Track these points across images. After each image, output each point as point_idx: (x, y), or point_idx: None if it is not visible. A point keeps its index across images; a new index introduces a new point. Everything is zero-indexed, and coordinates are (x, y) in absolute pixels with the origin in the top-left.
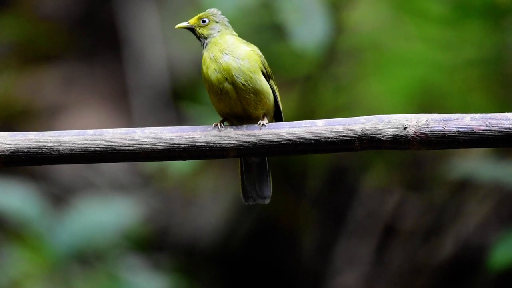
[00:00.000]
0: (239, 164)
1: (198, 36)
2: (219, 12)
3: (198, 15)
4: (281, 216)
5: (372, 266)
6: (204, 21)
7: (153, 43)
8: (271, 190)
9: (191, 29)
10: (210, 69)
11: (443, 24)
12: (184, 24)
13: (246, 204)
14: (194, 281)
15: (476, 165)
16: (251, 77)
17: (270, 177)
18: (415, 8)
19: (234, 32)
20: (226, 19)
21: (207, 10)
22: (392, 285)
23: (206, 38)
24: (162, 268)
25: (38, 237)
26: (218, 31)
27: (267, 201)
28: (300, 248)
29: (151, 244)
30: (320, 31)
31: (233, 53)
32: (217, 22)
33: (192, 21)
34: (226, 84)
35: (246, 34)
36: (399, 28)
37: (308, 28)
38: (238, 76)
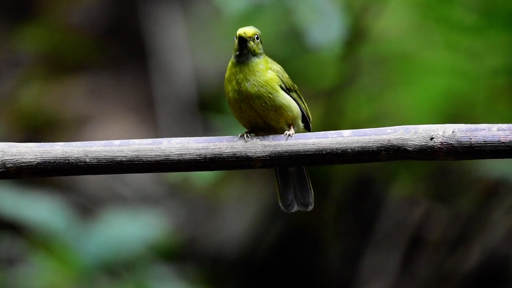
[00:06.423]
0: (275, 173)
1: (246, 50)
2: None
3: (253, 30)
4: (307, 225)
5: (399, 276)
6: (257, 38)
7: (179, 53)
8: (313, 197)
9: (242, 40)
10: (231, 85)
11: (469, 32)
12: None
13: (287, 211)
14: None
15: (508, 167)
16: (270, 97)
17: (310, 184)
18: (441, 16)
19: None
20: None
21: (251, 27)
22: None
23: (254, 55)
24: (188, 278)
25: (65, 248)
26: (262, 54)
27: (310, 208)
28: (327, 258)
29: (177, 254)
30: (336, 31)
31: (255, 81)
32: (262, 43)
33: (249, 32)
34: (243, 105)
35: (272, 43)
36: (425, 37)
37: (323, 29)
38: (256, 99)
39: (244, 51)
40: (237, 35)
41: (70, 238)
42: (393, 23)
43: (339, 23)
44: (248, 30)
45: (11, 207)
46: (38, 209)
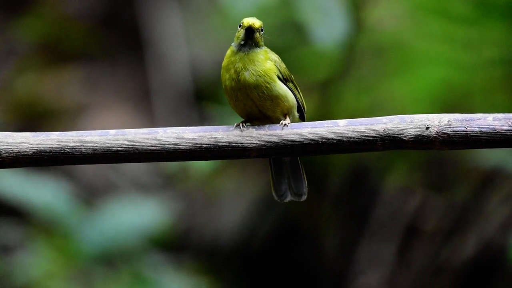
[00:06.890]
0: (269, 163)
1: (251, 40)
2: None
3: (260, 22)
4: (303, 215)
5: (394, 266)
6: (262, 30)
7: (175, 43)
8: (307, 187)
9: (250, 30)
10: (228, 74)
11: (465, 23)
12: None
13: (280, 201)
14: (216, 281)
15: (504, 156)
16: (267, 87)
17: (304, 174)
18: (437, 7)
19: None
20: None
21: (256, 19)
22: (414, 285)
23: (256, 46)
24: (184, 268)
25: (64, 236)
26: (263, 45)
27: (303, 198)
28: (322, 249)
29: (173, 244)
30: (340, 31)
31: (254, 70)
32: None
33: (257, 24)
34: (240, 93)
35: (268, 34)
36: (421, 27)
37: (328, 28)
38: (253, 89)
39: (249, 41)
40: (244, 25)
41: (71, 226)
42: (389, 13)
43: (343, 20)
44: (255, 22)
45: (14, 191)
46: (40, 193)
